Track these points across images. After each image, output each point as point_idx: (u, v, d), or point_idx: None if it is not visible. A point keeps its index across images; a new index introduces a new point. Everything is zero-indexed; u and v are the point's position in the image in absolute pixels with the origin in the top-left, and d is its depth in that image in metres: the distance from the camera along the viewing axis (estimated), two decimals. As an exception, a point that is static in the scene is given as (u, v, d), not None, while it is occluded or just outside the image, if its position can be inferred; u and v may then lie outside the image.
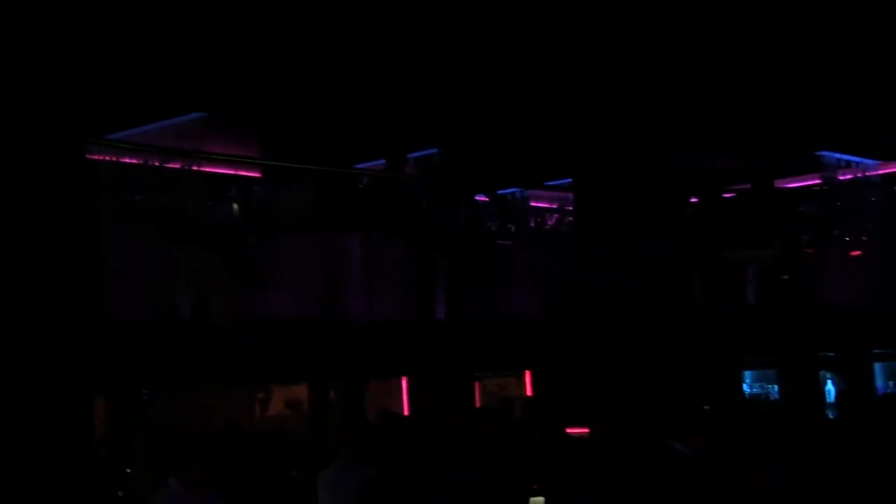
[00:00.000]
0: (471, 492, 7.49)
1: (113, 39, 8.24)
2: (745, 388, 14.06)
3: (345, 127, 10.67)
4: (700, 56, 9.51)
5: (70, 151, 7.34)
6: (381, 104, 10.26)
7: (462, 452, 7.85)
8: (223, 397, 10.61)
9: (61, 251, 7.01)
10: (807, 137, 12.71)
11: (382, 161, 10.98)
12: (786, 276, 11.48)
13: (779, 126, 12.09)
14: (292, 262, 8.68)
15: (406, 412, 12.53)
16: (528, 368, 13.17)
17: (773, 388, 13.61)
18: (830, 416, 10.68)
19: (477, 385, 13.31)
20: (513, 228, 11.77)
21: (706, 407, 10.81)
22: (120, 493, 7.73)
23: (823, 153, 13.50)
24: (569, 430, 8.71)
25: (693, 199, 13.10)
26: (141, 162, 8.48)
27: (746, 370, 13.95)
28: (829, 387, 13.06)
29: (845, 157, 13.68)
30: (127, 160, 8.53)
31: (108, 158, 8.29)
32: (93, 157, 8.06)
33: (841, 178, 13.45)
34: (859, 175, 13.29)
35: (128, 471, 8.07)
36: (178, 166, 8.69)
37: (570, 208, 12.14)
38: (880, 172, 13.65)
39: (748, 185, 13.18)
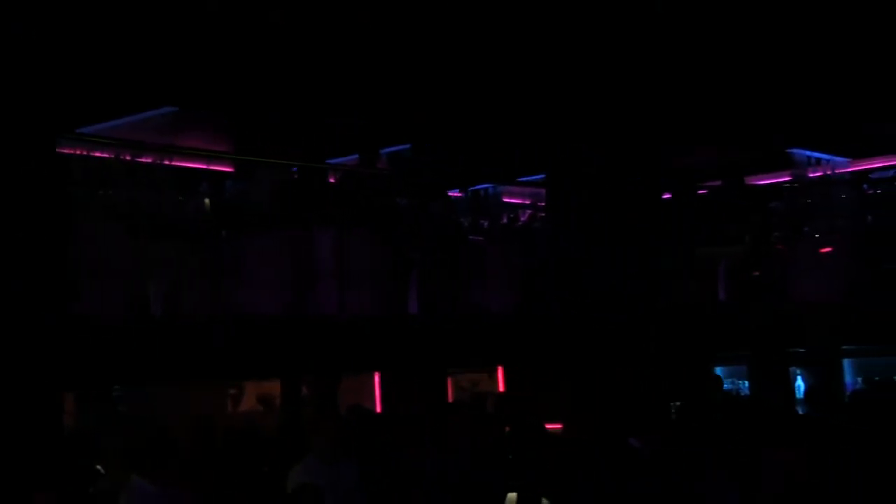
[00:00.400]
0: (443, 487, 7.50)
1: (83, 33, 8.18)
2: (716, 383, 14.14)
3: (325, 125, 10.64)
4: (672, 53, 9.55)
5: (41, 145, 7.29)
6: (354, 99, 10.24)
7: (434, 448, 7.86)
8: (194, 393, 10.55)
9: (31, 245, 6.97)
10: (777, 134, 12.78)
11: (355, 156, 10.97)
12: (756, 273, 11.57)
13: (750, 122, 12.16)
14: (264, 257, 8.65)
15: (378, 408, 12.52)
16: (500, 364, 13.19)
17: (744, 383, 13.69)
18: (800, 411, 10.79)
19: (449, 380, 13.32)
20: (485, 224, 11.79)
21: (677, 403, 10.88)
22: (90, 490, 7.67)
23: (794, 150, 13.57)
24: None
25: (665, 196, 13.16)
26: (112, 156, 8.42)
27: (717, 366, 14.02)
28: (800, 383, 13.15)
29: (815, 154, 13.76)
30: (98, 154, 8.47)
31: (79, 152, 8.23)
32: (64, 151, 8.01)
33: (811, 175, 13.54)
34: (829, 172, 13.38)
35: (98, 467, 8.02)
36: (149, 161, 8.64)
37: (543, 204, 12.17)
38: (850, 170, 13.76)
39: (719, 182, 13.27)
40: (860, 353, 12.84)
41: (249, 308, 8.40)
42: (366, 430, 8.19)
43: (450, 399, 13.09)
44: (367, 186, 10.09)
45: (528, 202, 12.97)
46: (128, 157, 8.43)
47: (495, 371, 13.65)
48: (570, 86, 10.13)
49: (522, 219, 12.76)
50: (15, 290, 6.84)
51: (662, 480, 7.05)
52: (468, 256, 10.34)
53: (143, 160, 8.56)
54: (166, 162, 8.73)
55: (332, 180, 10.53)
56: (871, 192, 12.61)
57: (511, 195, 13.22)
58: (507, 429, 8.73)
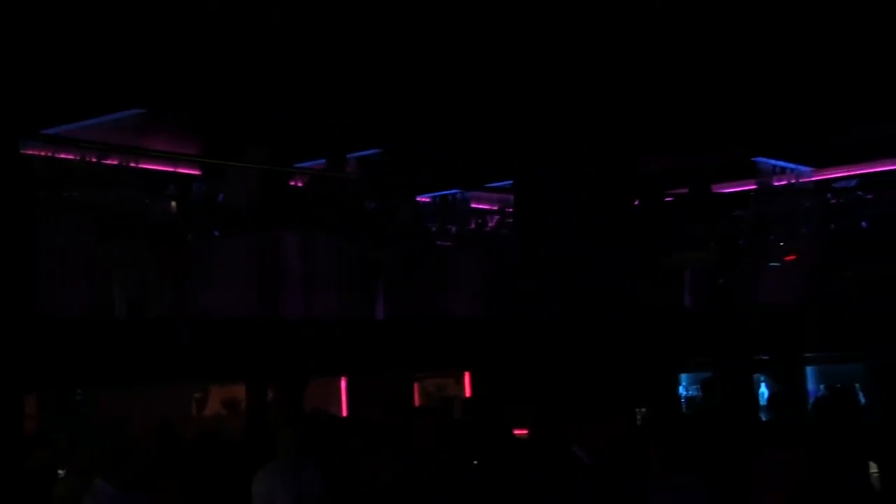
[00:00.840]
0: (410, 492, 7.49)
1: (47, 34, 8.11)
2: (682, 390, 14.22)
3: (293, 128, 10.62)
4: (639, 60, 9.60)
5: (4, 146, 7.22)
6: (322, 103, 10.21)
7: (400, 453, 7.85)
8: (158, 397, 10.49)
9: (-6, 246, 6.90)
10: (743, 143, 12.89)
11: (323, 160, 10.95)
12: (721, 280, 11.65)
13: (716, 131, 12.25)
14: (231, 259, 8.61)
15: (344, 413, 12.50)
16: (467, 369, 13.20)
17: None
18: (763, 418, 10.87)
19: (416, 385, 13.32)
20: (453, 229, 11.81)
21: (642, 409, 10.94)
22: (51, 494, 7.60)
23: (759, 159, 13.69)
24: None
25: (635, 201, 13.24)
26: (78, 157, 8.36)
27: (683, 373, 14.11)
28: (763, 389, 13.24)
29: (780, 163, 13.89)
30: (63, 156, 8.41)
31: (43, 154, 8.17)
32: (28, 152, 7.94)
33: (776, 183, 13.68)
34: (793, 181, 13.52)
35: (59, 472, 7.95)
36: (115, 162, 8.58)
37: (511, 210, 12.20)
38: (814, 179, 13.91)
39: (685, 189, 13.36)
40: (823, 360, 12.96)
41: (215, 311, 8.35)
42: (331, 435, 8.17)
43: (416, 404, 13.08)
44: (335, 190, 10.08)
45: (496, 208, 13.01)
46: (93, 159, 8.38)
47: (462, 376, 13.67)
48: (539, 91, 10.16)
49: (490, 224, 12.80)
50: (-23, 291, 6.77)
51: (602, 491, 7.05)
52: (435, 261, 10.35)
53: (108, 162, 8.50)
54: (132, 164, 8.68)
55: (299, 184, 10.51)
56: (834, 200, 12.75)
57: (479, 201, 13.26)
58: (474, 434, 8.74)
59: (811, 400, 12.65)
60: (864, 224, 11.79)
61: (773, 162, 13.85)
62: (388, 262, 9.77)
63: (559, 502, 7.25)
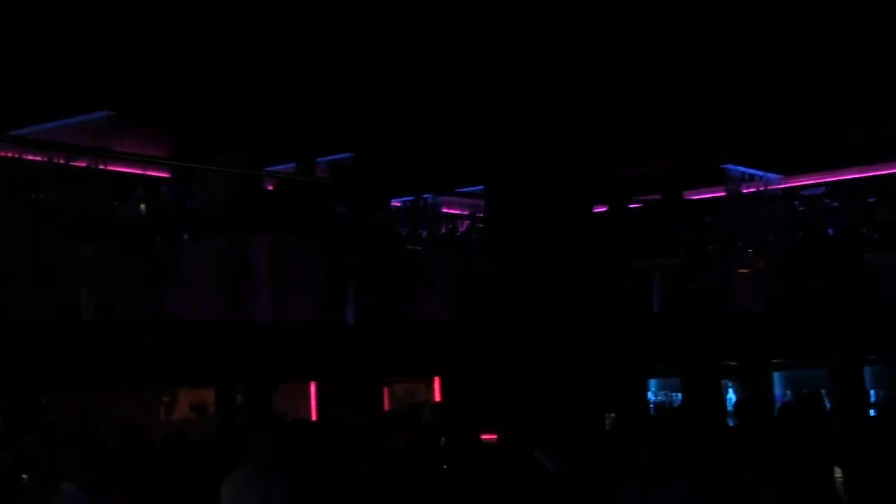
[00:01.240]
0: (377, 497, 7.48)
1: (15, 35, 8.04)
2: (650, 395, 14.27)
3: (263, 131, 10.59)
4: (611, 66, 9.65)
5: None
6: (293, 107, 10.19)
7: (370, 457, 7.83)
8: (126, 400, 10.41)
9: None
10: (713, 150, 12.98)
11: (293, 164, 10.93)
12: (690, 286, 11.73)
13: (687, 138, 12.32)
14: (201, 262, 8.58)
15: (314, 417, 12.46)
16: (437, 374, 13.21)
17: (677, 395, 13.83)
18: (730, 423, 10.93)
19: (386, 390, 13.30)
20: (424, 234, 11.81)
21: (611, 414, 10.98)
22: (17, 498, 7.53)
23: (729, 166, 13.79)
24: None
25: (602, 208, 13.29)
26: (45, 159, 8.30)
27: (651, 378, 14.16)
28: (731, 395, 13.31)
29: (749, 170, 13.99)
30: (31, 157, 8.35)
31: (10, 155, 8.10)
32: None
33: (745, 190, 13.78)
34: (762, 188, 13.62)
35: (23, 476, 7.87)
36: (83, 164, 8.53)
37: (482, 215, 12.22)
38: (782, 186, 14.03)
39: (657, 196, 13.43)
40: (790, 366, 13.06)
41: (184, 314, 8.31)
42: (301, 439, 8.14)
43: (386, 408, 13.07)
44: (306, 194, 10.06)
45: (466, 213, 13.03)
46: (61, 161, 8.32)
47: (432, 380, 13.67)
48: (510, 96, 10.18)
49: (461, 229, 12.81)
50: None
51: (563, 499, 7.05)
52: (406, 266, 10.35)
53: (76, 164, 8.44)
54: (101, 166, 8.62)
55: (269, 187, 10.49)
56: (802, 208, 12.86)
57: (450, 205, 13.27)
58: (444, 439, 8.73)
59: (778, 405, 12.73)
60: (830, 231, 11.90)
61: (742, 169, 13.96)
62: (359, 267, 9.77)
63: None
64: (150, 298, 8.22)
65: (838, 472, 8.04)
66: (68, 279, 7.79)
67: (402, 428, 8.16)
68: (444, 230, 12.34)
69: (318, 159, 11.09)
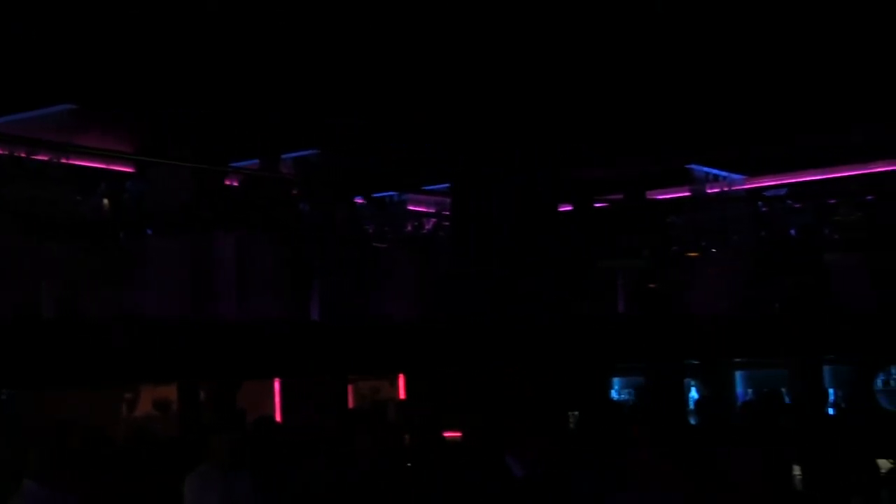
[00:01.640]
0: (342, 495, 7.47)
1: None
2: (614, 394, 14.34)
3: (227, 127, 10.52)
4: (577, 67, 9.69)
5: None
6: (258, 103, 10.15)
7: (334, 455, 7.82)
8: (88, 397, 10.32)
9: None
10: (677, 150, 13.08)
11: (257, 161, 10.89)
12: (654, 286, 11.80)
13: (652, 138, 12.40)
14: (164, 259, 8.51)
15: (278, 415, 12.40)
16: (401, 372, 13.19)
17: (641, 394, 13.91)
18: (692, 421, 11.02)
19: (350, 387, 13.26)
20: (390, 232, 11.80)
21: (574, 412, 11.02)
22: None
23: (693, 166, 13.90)
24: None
25: (567, 208, 13.35)
26: (6, 153, 8.21)
27: (615, 377, 14.22)
28: (693, 394, 13.41)
29: (713, 171, 14.11)
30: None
31: (-30, 149, 8.01)
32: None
33: (709, 191, 13.89)
34: (726, 189, 13.74)
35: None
36: (45, 158, 8.44)
37: (448, 213, 12.23)
38: (746, 187, 14.16)
39: (621, 196, 13.51)
40: (751, 365, 13.17)
41: (147, 311, 8.25)
42: (264, 437, 8.11)
43: (350, 406, 13.03)
44: (270, 191, 10.02)
45: (432, 210, 13.04)
46: (23, 155, 8.23)
47: (396, 378, 13.64)
48: (478, 95, 10.21)
49: (427, 227, 12.82)
50: None
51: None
52: (372, 263, 10.34)
53: (38, 158, 8.35)
54: (63, 160, 8.53)
55: (234, 184, 10.44)
56: (765, 209, 12.98)
57: (416, 203, 13.27)
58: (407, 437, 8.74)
59: (739, 404, 12.84)
60: (792, 232, 12.02)
61: (706, 169, 14.07)
62: (323, 264, 9.74)
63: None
64: (113, 295, 8.15)
65: (797, 470, 8.13)
66: (29, 275, 7.70)
67: (366, 426, 8.16)
68: (409, 228, 12.35)
69: (283, 156, 11.06)
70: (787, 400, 12.23)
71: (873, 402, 11.56)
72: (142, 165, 10.39)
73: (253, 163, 11.04)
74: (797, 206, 12.85)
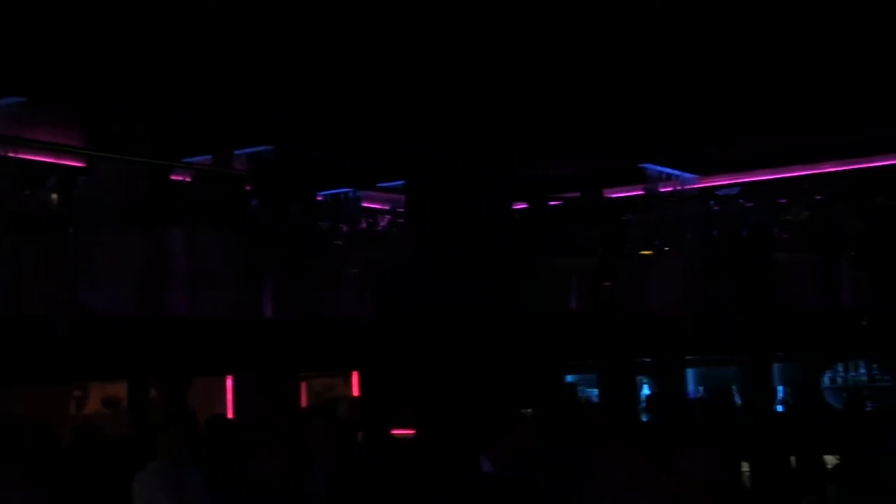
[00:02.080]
0: (294, 493, 7.43)
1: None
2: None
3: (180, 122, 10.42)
4: (533, 65, 9.71)
5: None
6: (212, 98, 10.06)
7: (286, 453, 7.78)
8: (36, 394, 10.19)
9: None
10: (632, 149, 13.15)
11: (209, 156, 10.80)
12: (608, 284, 11.87)
13: (607, 136, 12.46)
14: (114, 254, 8.42)
15: (230, 412, 12.32)
16: (356, 369, 13.16)
17: (594, 391, 13.99)
18: (643, 418, 11.10)
19: (304, 385, 13.22)
20: (345, 228, 11.76)
21: (528, 410, 11.05)
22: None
23: (647, 165, 13.98)
24: (394, 432, 8.75)
25: (522, 205, 13.39)
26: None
27: (569, 374, 14.29)
28: (646, 391, 13.51)
29: (667, 170, 14.21)
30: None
31: None
32: None
33: (662, 190, 13.99)
34: (679, 188, 13.85)
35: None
36: (-8, 152, 8.31)
37: (403, 210, 12.22)
38: (698, 186, 14.27)
39: (576, 194, 13.57)
40: (702, 362, 13.30)
41: (97, 307, 8.16)
42: (215, 435, 8.05)
43: (303, 404, 12.99)
44: (223, 186, 9.94)
45: (387, 207, 13.02)
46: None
47: (350, 376, 13.62)
48: (433, 93, 10.20)
49: (382, 224, 12.80)
50: None
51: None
52: (326, 260, 10.30)
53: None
54: (11, 154, 8.41)
55: (186, 179, 10.34)
56: (717, 208, 13.10)
57: (371, 200, 13.25)
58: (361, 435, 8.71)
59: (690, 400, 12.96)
60: (743, 231, 12.14)
61: (660, 168, 14.16)
62: (277, 261, 9.68)
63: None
64: (61, 291, 8.05)
65: (745, 467, 8.22)
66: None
67: (317, 424, 8.12)
68: (363, 225, 12.32)
69: (236, 151, 10.98)
70: (737, 397, 12.40)
71: (820, 399, 11.73)
72: (92, 160, 10.26)
73: (206, 158, 10.94)
74: (749, 205, 12.99)
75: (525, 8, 8.21)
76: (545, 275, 11.71)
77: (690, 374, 13.43)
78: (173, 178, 10.10)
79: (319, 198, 12.28)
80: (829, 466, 8.72)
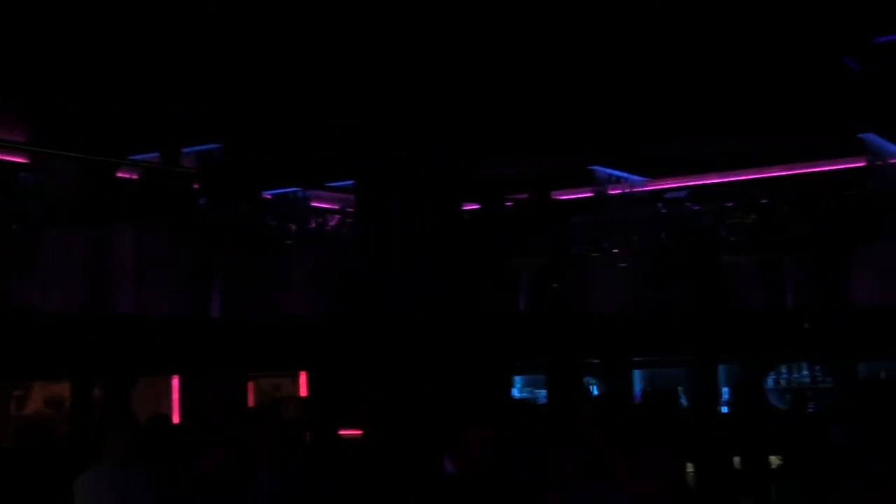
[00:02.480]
0: (241, 493, 7.39)
1: None
2: (515, 392, 14.46)
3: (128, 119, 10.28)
4: (483, 66, 9.73)
5: None
6: (159, 95, 9.95)
7: (232, 453, 7.73)
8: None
9: None
10: (581, 151, 13.22)
11: (156, 154, 10.69)
12: (556, 285, 11.93)
13: (557, 138, 12.52)
14: (60, 253, 8.32)
15: (176, 412, 12.21)
16: (303, 368, 13.10)
17: (542, 392, 14.05)
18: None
19: (251, 385, 13.13)
20: (294, 228, 11.71)
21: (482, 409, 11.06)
22: None
23: (596, 168, 14.07)
24: (342, 432, 8.73)
25: (473, 206, 13.41)
26: None
27: (517, 374, 14.34)
28: (595, 392, 13.59)
29: (616, 172, 14.31)
30: None
31: None
32: None
33: (611, 192, 14.09)
34: (627, 190, 13.96)
35: None
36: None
37: (352, 210, 12.19)
38: (647, 189, 14.40)
39: (525, 195, 13.62)
40: (649, 363, 13.40)
41: (41, 305, 8.05)
42: (158, 435, 7.97)
43: (251, 403, 12.90)
44: (171, 185, 9.85)
45: (337, 207, 12.98)
46: None
47: (298, 375, 13.55)
48: (382, 92, 10.18)
49: (331, 223, 12.75)
50: None
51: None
52: (274, 259, 10.25)
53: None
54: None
55: (134, 177, 10.24)
56: (665, 210, 13.22)
57: (320, 200, 13.20)
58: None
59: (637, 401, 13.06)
60: (691, 234, 12.26)
61: (609, 171, 14.26)
62: (225, 260, 9.62)
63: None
64: (4, 288, 7.93)
65: (690, 468, 8.30)
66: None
67: (264, 424, 8.08)
68: (313, 224, 12.27)
69: (185, 149, 10.89)
70: (683, 398, 12.52)
71: (764, 400, 11.86)
72: (37, 157, 10.12)
73: (153, 156, 10.83)
74: (696, 208, 13.12)
75: (472, 9, 8.22)
76: (494, 275, 11.75)
77: (637, 375, 13.54)
78: (120, 175, 9.99)
79: (268, 197, 12.21)
80: (773, 467, 8.83)
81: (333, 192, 12.86)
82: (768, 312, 10.93)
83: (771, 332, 11.02)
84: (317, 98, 10.13)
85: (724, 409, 11.74)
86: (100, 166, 9.26)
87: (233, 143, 11.38)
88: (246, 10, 8.13)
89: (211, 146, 11.56)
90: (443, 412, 9.80)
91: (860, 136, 12.60)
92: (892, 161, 13.18)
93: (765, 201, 12.32)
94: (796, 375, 12.89)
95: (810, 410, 10.35)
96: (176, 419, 11.24)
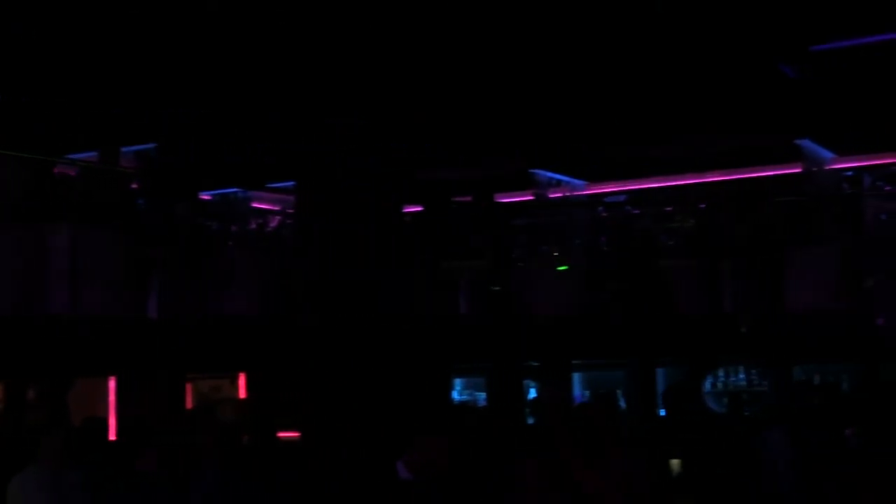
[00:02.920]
0: (178, 494, 7.33)
1: None
2: (455, 394, 14.49)
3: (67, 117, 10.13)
4: (427, 68, 9.74)
5: None
6: (96, 92, 9.82)
7: (170, 454, 7.65)
8: None
9: None
10: (522, 154, 13.29)
11: (95, 153, 10.54)
12: (496, 287, 11.97)
13: (498, 141, 12.57)
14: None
15: (112, 414, 12.04)
16: (242, 370, 13.00)
17: (481, 395, 14.09)
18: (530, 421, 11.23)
19: (189, 386, 12.99)
20: (234, 228, 11.61)
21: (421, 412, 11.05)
22: None
23: (537, 171, 14.16)
24: (280, 434, 8.68)
25: (416, 208, 13.40)
26: None
27: (456, 377, 14.37)
28: (533, 394, 13.66)
29: (556, 175, 14.41)
30: None
31: None
32: None
33: (551, 195, 14.20)
34: (568, 194, 14.07)
35: None
36: None
37: (293, 211, 12.11)
38: (587, 192, 14.53)
39: (468, 198, 13.65)
40: (589, 366, 13.50)
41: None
42: (93, 437, 7.85)
43: (189, 405, 12.77)
44: (108, 184, 9.72)
45: (277, 208, 12.89)
46: None
47: (237, 377, 13.44)
48: (325, 93, 10.14)
49: (272, 224, 12.67)
50: None
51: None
52: (214, 260, 10.15)
53: None
54: None
55: (71, 175, 10.08)
56: (604, 214, 13.34)
57: (261, 200, 13.11)
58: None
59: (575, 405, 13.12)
60: (630, 237, 12.38)
61: (549, 174, 14.36)
62: (163, 260, 9.51)
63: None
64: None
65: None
66: None
67: (201, 425, 8.01)
68: (253, 225, 12.18)
69: (123, 149, 10.75)
70: (621, 401, 12.63)
71: (702, 403, 12.01)
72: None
73: (91, 154, 10.68)
74: (635, 212, 13.26)
75: (416, 12, 8.23)
76: (434, 277, 11.75)
77: (576, 378, 13.63)
78: (57, 173, 9.82)
79: (208, 197, 12.09)
80: (712, 471, 8.92)
81: (274, 193, 12.79)
82: (706, 316, 11.06)
83: (708, 336, 11.16)
84: (259, 95, 10.08)
85: (662, 413, 11.87)
86: (38, 164, 9.09)
87: (168, 143, 11.27)
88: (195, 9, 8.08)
89: (149, 145, 11.45)
90: (383, 414, 9.78)
91: (796, 142, 12.84)
92: (828, 167, 13.47)
93: (703, 206, 12.49)
94: (733, 379, 13.07)
95: (746, 413, 10.49)
96: (112, 421, 11.08)
